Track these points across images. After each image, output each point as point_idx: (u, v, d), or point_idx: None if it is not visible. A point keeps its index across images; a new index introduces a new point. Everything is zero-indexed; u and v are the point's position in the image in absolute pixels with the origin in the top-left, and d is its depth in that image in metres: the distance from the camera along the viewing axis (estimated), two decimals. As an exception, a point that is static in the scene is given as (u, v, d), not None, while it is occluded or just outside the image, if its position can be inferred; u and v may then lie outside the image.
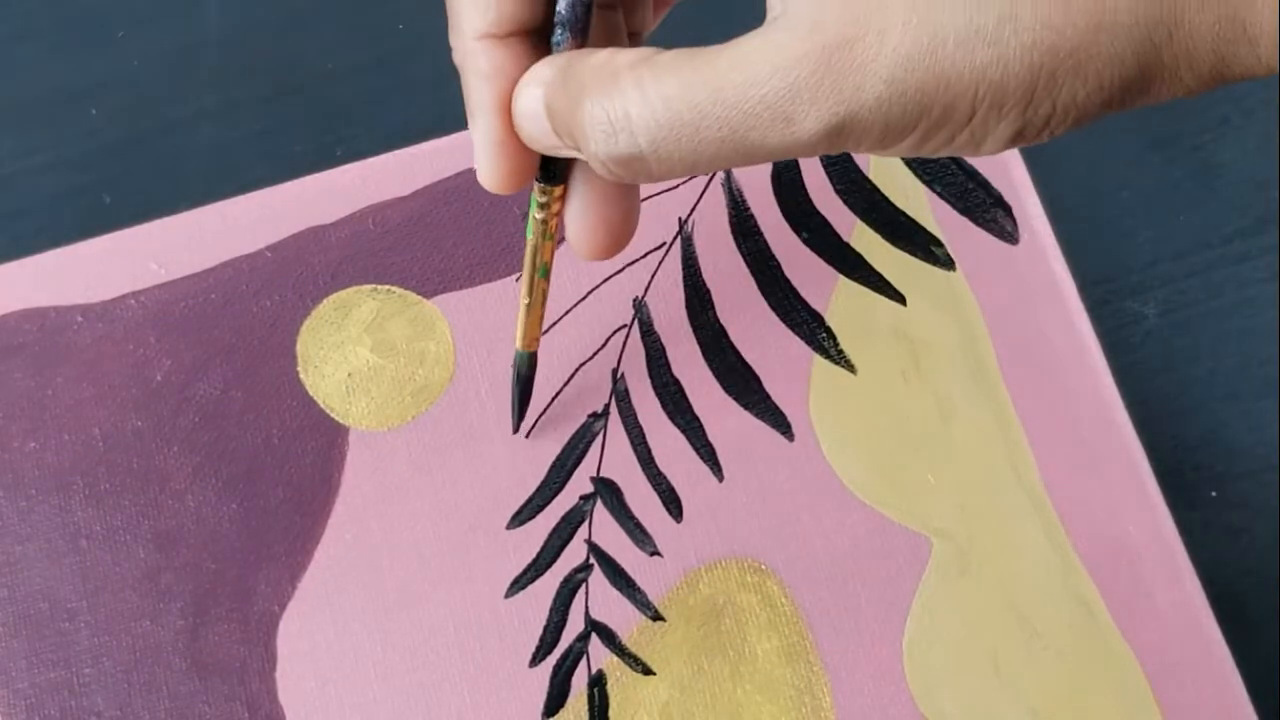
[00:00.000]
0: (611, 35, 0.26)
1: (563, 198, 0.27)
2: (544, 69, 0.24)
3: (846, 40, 0.20)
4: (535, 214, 0.28)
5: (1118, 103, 0.21)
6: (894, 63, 0.20)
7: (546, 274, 0.31)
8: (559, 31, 0.25)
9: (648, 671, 0.35)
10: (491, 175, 0.26)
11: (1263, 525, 0.42)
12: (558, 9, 0.25)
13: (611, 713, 0.35)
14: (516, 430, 0.36)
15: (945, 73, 0.20)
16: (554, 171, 0.27)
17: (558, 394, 0.37)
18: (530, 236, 0.29)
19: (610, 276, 0.38)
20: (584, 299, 0.38)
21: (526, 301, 0.32)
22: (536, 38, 0.25)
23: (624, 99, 0.22)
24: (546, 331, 0.37)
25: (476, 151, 0.26)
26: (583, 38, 0.25)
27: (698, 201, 0.39)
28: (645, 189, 0.39)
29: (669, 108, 0.22)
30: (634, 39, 0.27)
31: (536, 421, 0.37)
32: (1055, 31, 0.20)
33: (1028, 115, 0.21)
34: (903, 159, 0.39)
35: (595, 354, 0.37)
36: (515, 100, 0.25)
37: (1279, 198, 0.45)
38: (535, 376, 0.35)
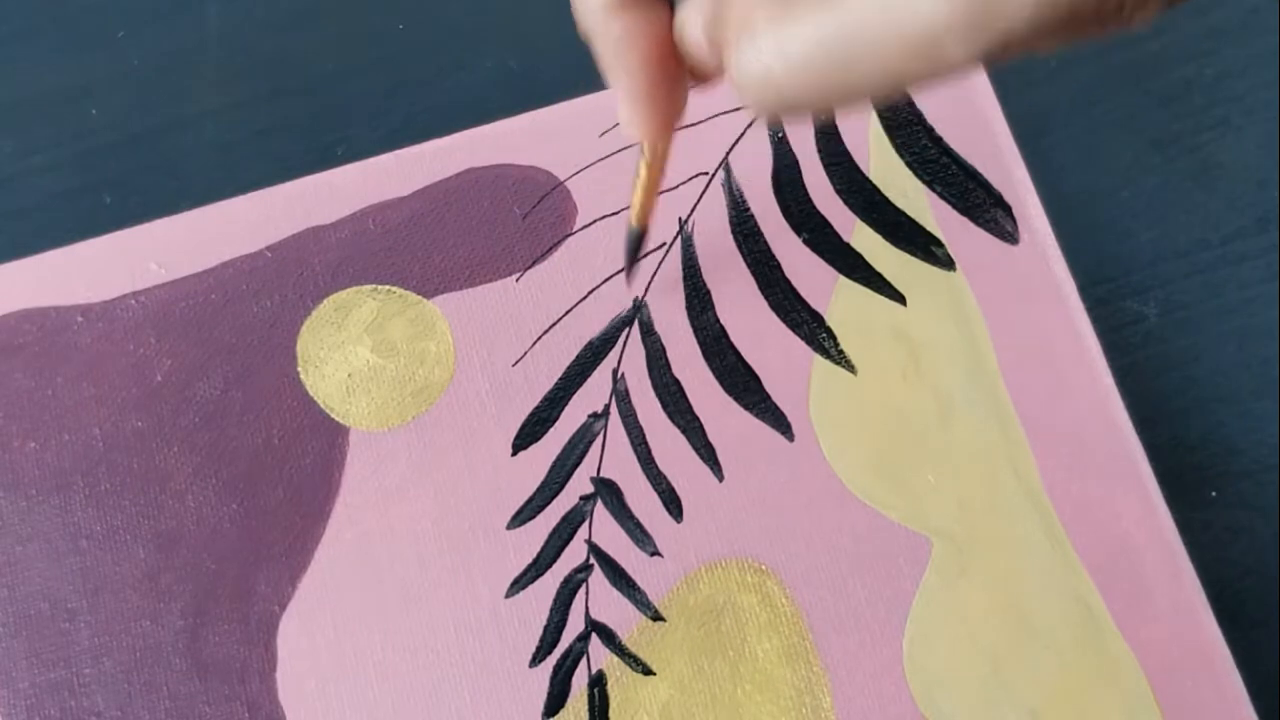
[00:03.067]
0: None
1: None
2: (693, 11, 0.25)
3: None
4: None
5: None
6: None
7: (664, 163, 0.32)
8: None
9: (648, 671, 0.35)
10: (641, 128, 0.27)
11: (1263, 525, 0.42)
12: None
13: (611, 713, 0.35)
14: (631, 275, 0.37)
15: None
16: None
17: (561, 393, 0.37)
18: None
19: (610, 277, 0.38)
20: (584, 299, 0.38)
21: (643, 190, 0.33)
22: None
23: (768, 56, 0.22)
24: (547, 332, 0.37)
25: (624, 109, 0.27)
26: None
27: (698, 201, 0.39)
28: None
29: (811, 65, 0.22)
30: None
31: (537, 437, 0.37)
32: None
33: None
34: (902, 158, 0.39)
35: (595, 354, 0.37)
36: (682, 38, 0.26)
37: (1279, 198, 0.45)
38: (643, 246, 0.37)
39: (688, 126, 0.39)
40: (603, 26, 0.26)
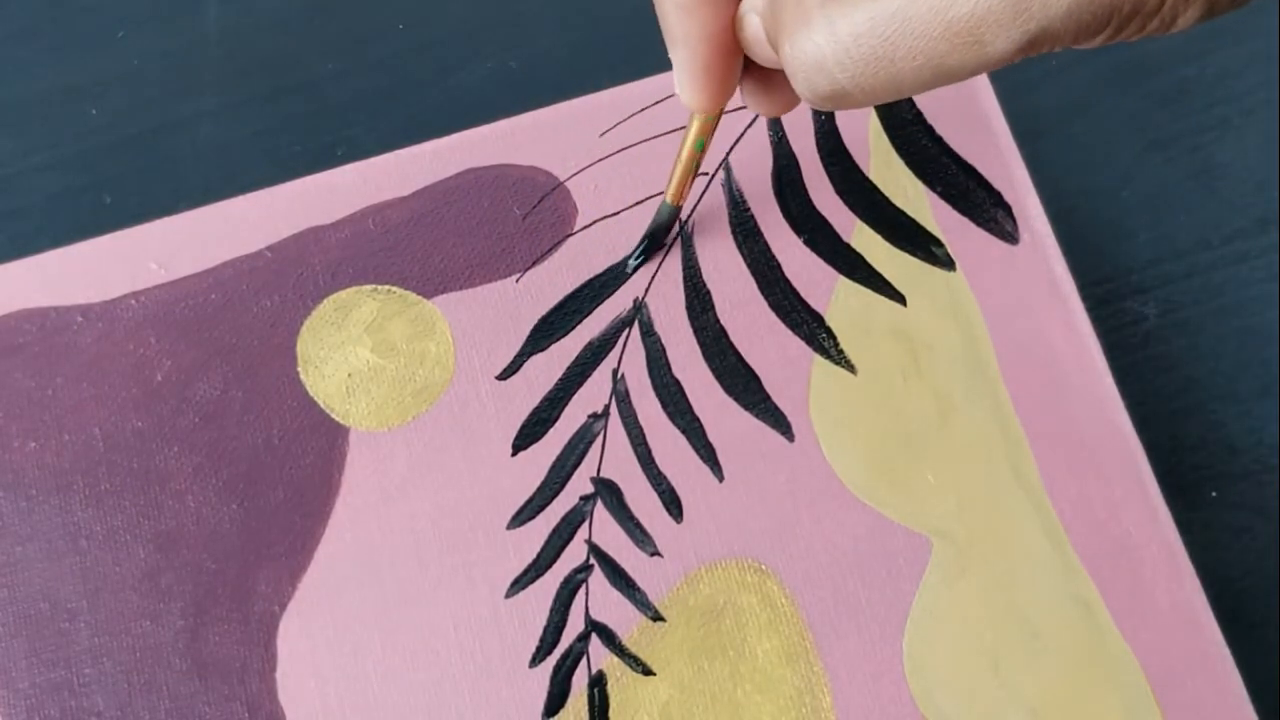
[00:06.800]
0: None
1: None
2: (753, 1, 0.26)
3: None
4: None
5: None
6: None
7: (704, 148, 0.33)
8: None
9: (648, 672, 0.35)
10: (696, 98, 0.28)
11: (1263, 525, 0.42)
12: None
13: (611, 713, 0.35)
14: (638, 261, 0.38)
15: None
16: None
17: (561, 394, 0.37)
18: (698, 121, 0.32)
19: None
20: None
21: (683, 168, 0.34)
22: None
23: (819, 40, 0.23)
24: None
25: (679, 77, 0.28)
26: None
27: (698, 202, 0.39)
28: (644, 190, 0.39)
29: (861, 45, 0.22)
30: None
31: (537, 437, 0.37)
32: None
33: None
34: (902, 158, 0.39)
35: (595, 354, 0.37)
36: (741, 29, 0.27)
37: (1279, 198, 0.45)
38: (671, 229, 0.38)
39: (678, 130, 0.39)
40: None
